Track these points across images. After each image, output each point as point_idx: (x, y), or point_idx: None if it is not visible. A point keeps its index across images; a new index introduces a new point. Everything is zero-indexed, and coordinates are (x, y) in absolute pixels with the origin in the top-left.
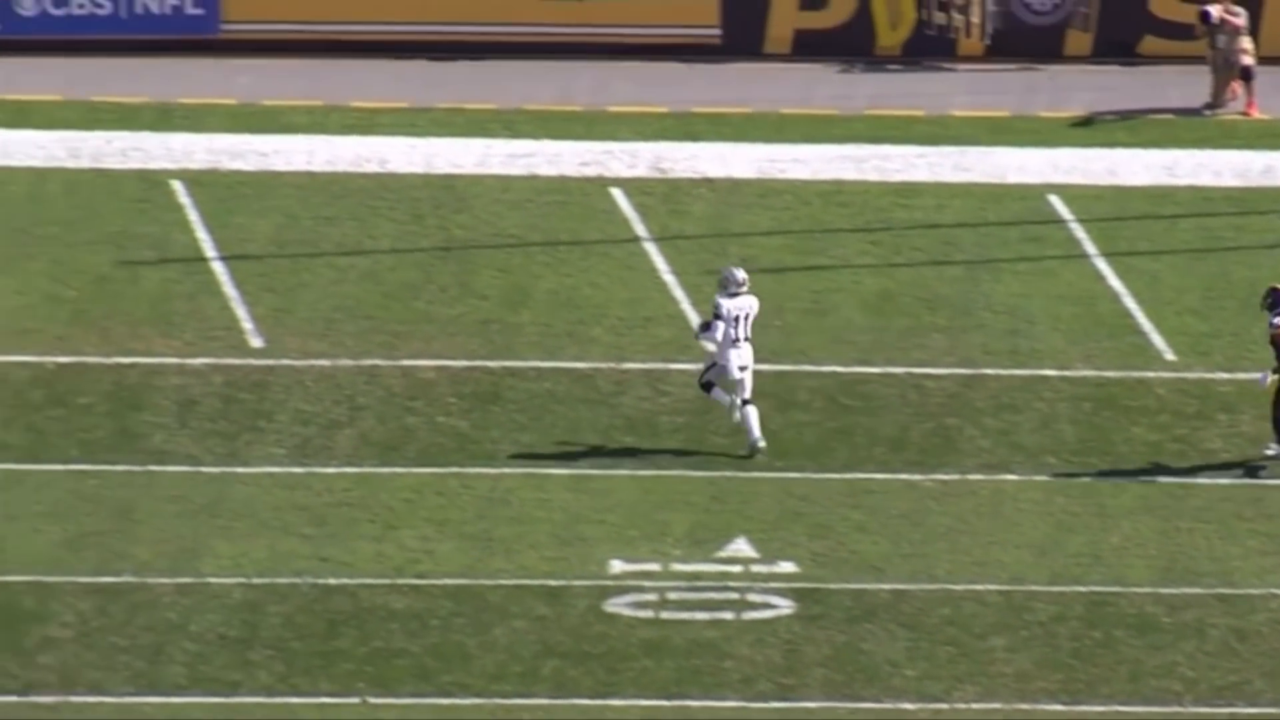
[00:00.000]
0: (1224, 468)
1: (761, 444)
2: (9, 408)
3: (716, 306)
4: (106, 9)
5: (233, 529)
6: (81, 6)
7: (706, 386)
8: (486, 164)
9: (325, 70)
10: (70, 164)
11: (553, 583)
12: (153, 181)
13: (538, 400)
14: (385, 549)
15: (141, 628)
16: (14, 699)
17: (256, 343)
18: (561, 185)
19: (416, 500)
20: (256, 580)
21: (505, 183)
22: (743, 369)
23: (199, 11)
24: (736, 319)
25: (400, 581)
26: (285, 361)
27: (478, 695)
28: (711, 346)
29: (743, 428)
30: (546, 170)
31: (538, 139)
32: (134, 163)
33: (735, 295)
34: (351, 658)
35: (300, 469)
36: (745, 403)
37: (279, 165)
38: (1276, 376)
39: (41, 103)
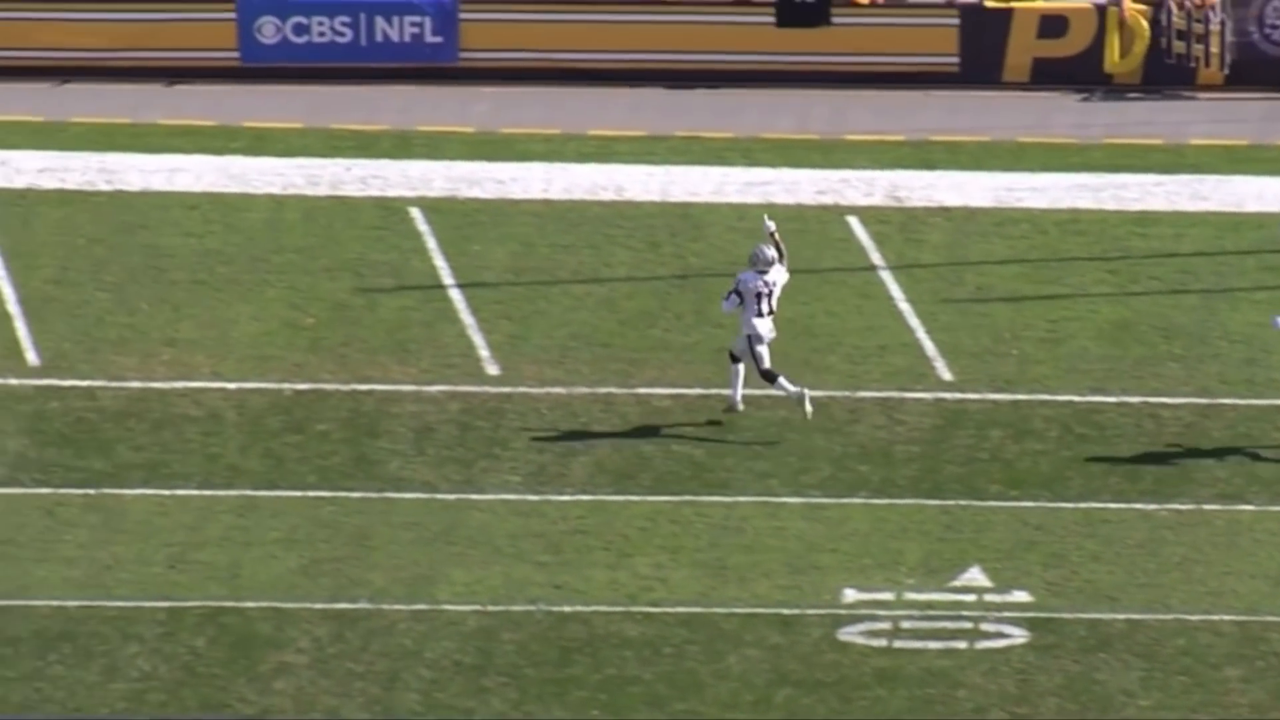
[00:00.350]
0: None
1: (740, 407)
2: (247, 434)
3: (738, 281)
4: (347, 37)
5: (468, 556)
6: (322, 34)
7: (770, 377)
8: (723, 192)
9: (563, 98)
10: (309, 191)
11: (786, 611)
12: (391, 209)
13: (772, 428)
14: (619, 576)
15: (377, 654)
16: None
17: (493, 370)
18: (798, 213)
19: (650, 528)
20: (491, 607)
21: (741, 211)
22: (760, 339)
23: (438, 39)
24: (759, 294)
25: (634, 609)
26: (521, 389)
27: None
28: (748, 322)
29: (793, 401)
30: (783, 198)
31: (775, 167)
32: (372, 190)
33: (764, 273)
34: (585, 685)
35: (535, 496)
36: (764, 374)
37: (516, 193)
38: None
39: (281, 130)
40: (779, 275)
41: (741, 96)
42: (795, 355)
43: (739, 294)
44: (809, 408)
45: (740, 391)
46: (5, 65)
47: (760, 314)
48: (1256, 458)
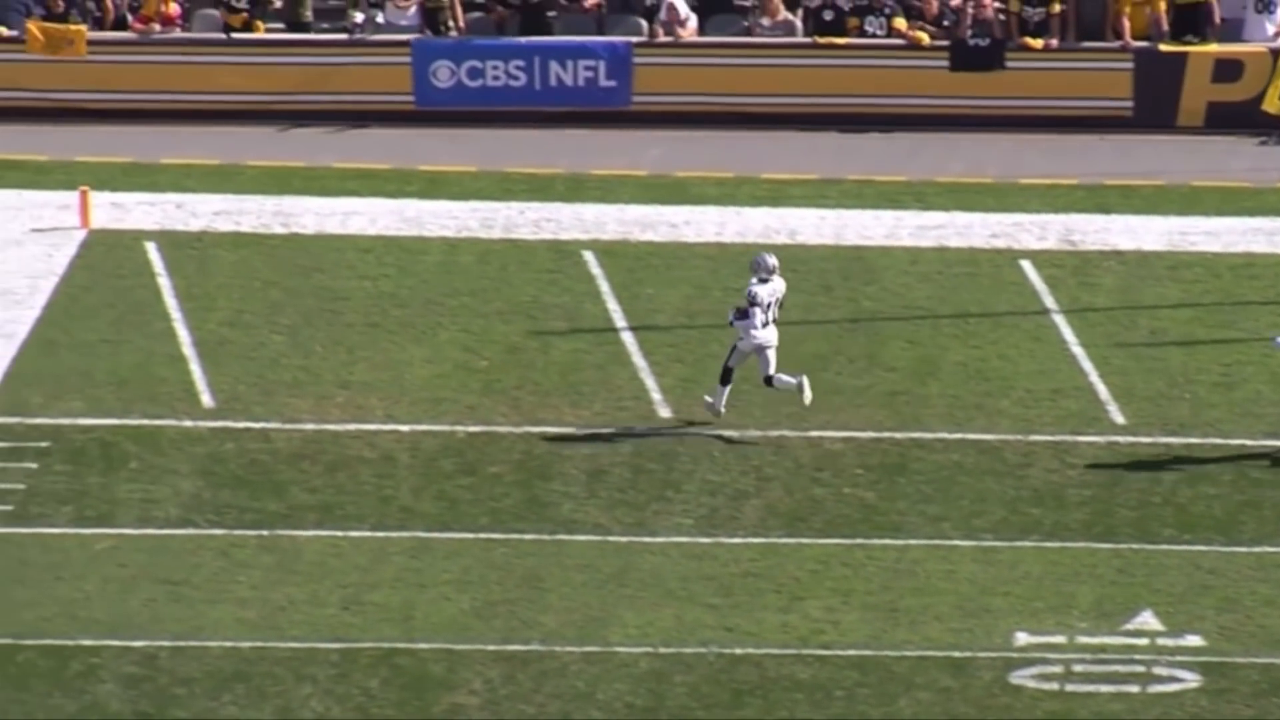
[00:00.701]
0: None
1: (722, 411)
2: (420, 476)
3: (752, 295)
4: (521, 81)
5: (640, 598)
6: (496, 78)
7: (725, 374)
8: (896, 236)
9: (736, 142)
10: (483, 234)
11: (957, 654)
12: (564, 252)
13: (944, 472)
14: (790, 619)
15: (549, 696)
16: None
17: (665, 413)
18: (971, 257)
19: (822, 571)
20: (663, 649)
21: (914, 254)
22: (764, 348)
23: (612, 83)
24: (768, 304)
25: (805, 652)
26: (693, 432)
27: None
28: (750, 334)
29: (788, 389)
30: (956, 242)
31: (948, 211)
32: (546, 233)
33: (766, 281)
34: None
35: (707, 539)
36: (767, 380)
37: (689, 236)
38: None
39: (455, 173)
40: (779, 285)
41: (915, 140)
42: (968, 399)
43: (757, 306)
44: (808, 395)
45: (724, 399)
46: (183, 109)
47: (766, 324)
48: None
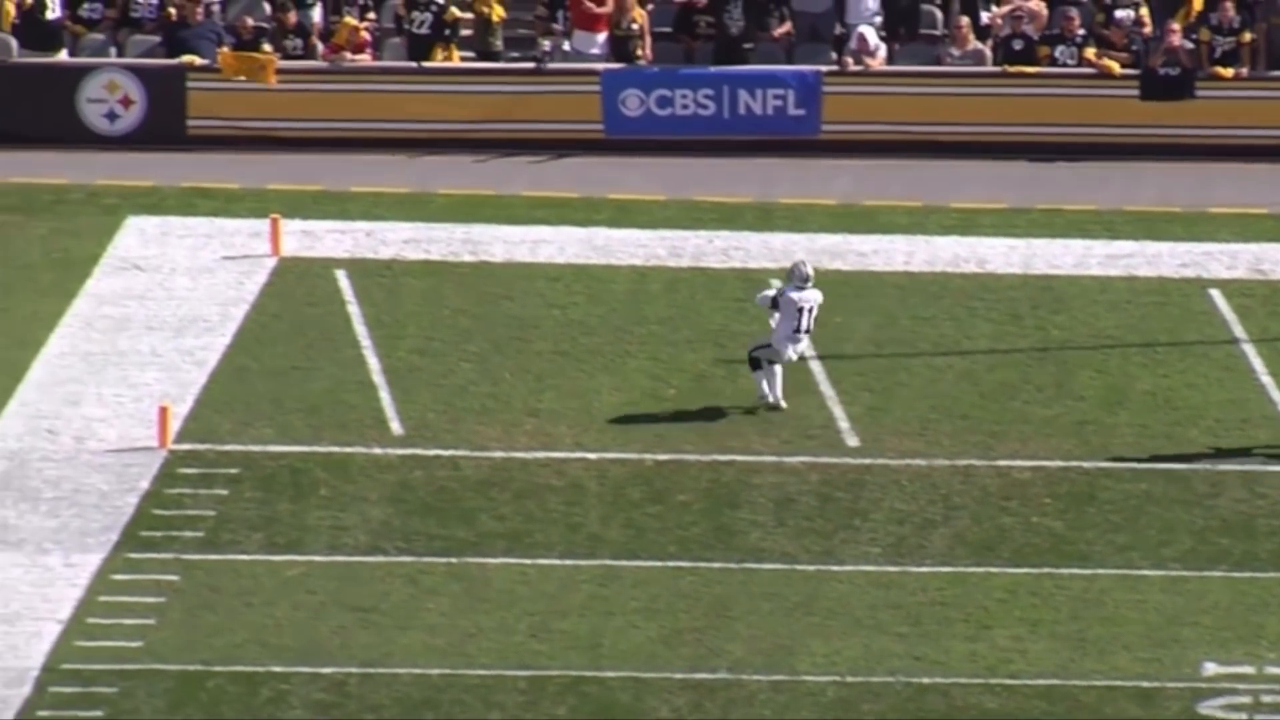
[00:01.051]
0: None
1: (782, 404)
2: (608, 504)
3: (780, 293)
4: (710, 109)
5: (827, 627)
6: (685, 107)
7: (754, 363)
8: (1085, 265)
9: (925, 171)
10: (671, 263)
11: (1145, 684)
12: (753, 280)
13: (1133, 501)
14: (979, 648)
15: None
16: None
17: (853, 441)
18: (1160, 286)
19: (1010, 600)
20: (850, 678)
21: (1103, 283)
22: (800, 358)
23: (801, 112)
24: (800, 310)
25: (993, 681)
26: (881, 460)
27: None
28: (786, 345)
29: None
30: (1145, 271)
31: (1137, 240)
32: (735, 261)
33: (801, 289)
34: None
35: (895, 568)
36: (752, 360)
37: (878, 265)
38: None
39: (644, 202)
40: (816, 295)
41: (1104, 169)
42: (1157, 428)
43: (776, 304)
44: (770, 401)
45: (779, 388)
46: (373, 137)
47: (798, 330)
48: None
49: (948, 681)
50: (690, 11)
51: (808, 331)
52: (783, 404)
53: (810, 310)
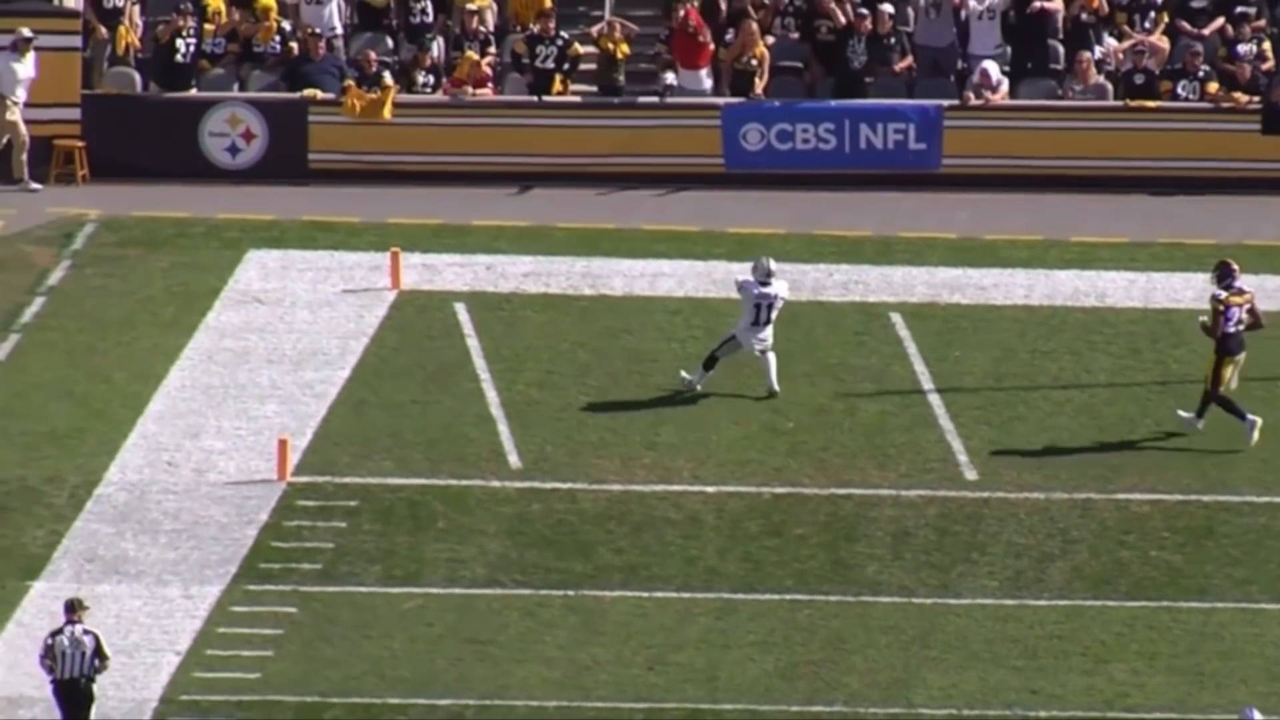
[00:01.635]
0: None
1: (775, 388)
2: (726, 537)
3: (742, 285)
4: (831, 144)
5: (944, 660)
6: (806, 141)
7: (710, 362)
8: (1205, 299)
9: (1045, 205)
10: (791, 296)
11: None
12: (872, 314)
13: (1252, 535)
14: (1096, 682)
15: None
16: None
17: (971, 475)
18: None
19: (1128, 634)
20: (967, 712)
21: None
22: (761, 349)
23: (921, 146)
24: (758, 305)
25: (1110, 715)
26: (999, 494)
27: None
28: (752, 337)
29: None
30: (1265, 305)
31: (1258, 274)
32: (854, 295)
33: (764, 284)
34: None
35: (1012, 601)
36: (771, 393)
37: (997, 299)
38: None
39: (764, 235)
40: (780, 288)
41: (1224, 203)
42: (1275, 462)
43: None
44: (697, 389)
45: (774, 374)
46: (494, 171)
47: (756, 322)
48: None
49: (1065, 715)
50: (816, 46)
51: (767, 323)
52: (776, 388)
53: (770, 305)
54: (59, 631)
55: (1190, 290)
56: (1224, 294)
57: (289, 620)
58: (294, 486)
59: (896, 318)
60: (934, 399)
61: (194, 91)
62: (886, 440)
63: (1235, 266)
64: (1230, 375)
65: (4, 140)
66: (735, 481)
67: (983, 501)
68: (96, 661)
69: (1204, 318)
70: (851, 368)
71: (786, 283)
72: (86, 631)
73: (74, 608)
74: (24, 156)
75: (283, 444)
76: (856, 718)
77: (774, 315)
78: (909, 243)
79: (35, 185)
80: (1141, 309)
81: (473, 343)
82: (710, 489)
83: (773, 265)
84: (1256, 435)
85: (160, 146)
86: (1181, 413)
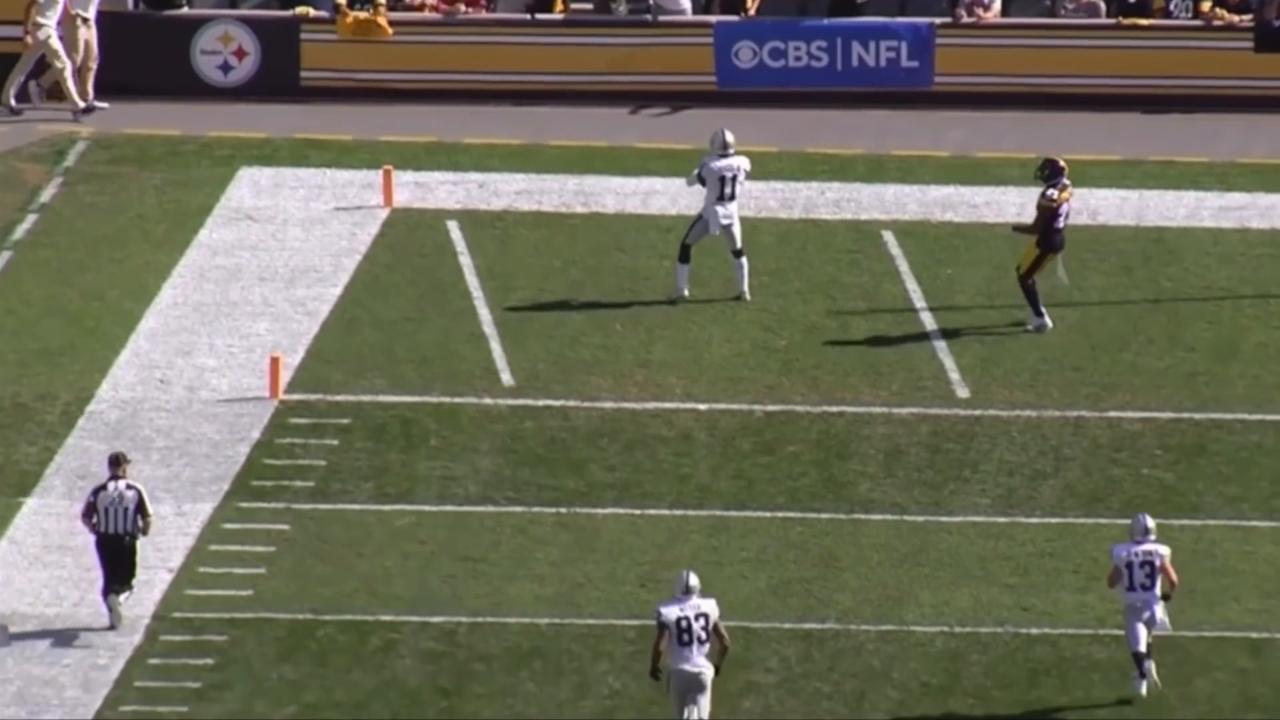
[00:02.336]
0: None
1: (748, 296)
2: (718, 455)
3: (701, 166)
4: (823, 61)
5: (936, 578)
6: (798, 59)
7: (684, 252)
8: (1197, 217)
9: (1037, 123)
10: (782, 214)
11: (1255, 635)
12: (864, 232)
13: (1244, 452)
14: (1087, 600)
15: (845, 674)
16: None
17: (963, 393)
18: (1273, 238)
19: None
20: (959, 629)
21: (1216, 235)
22: (727, 223)
23: (914, 64)
24: (722, 178)
25: (1102, 632)
26: (991, 412)
27: None
28: (715, 213)
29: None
30: (1258, 223)
31: (1250, 192)
32: (846, 213)
33: (723, 156)
34: (1052, 708)
35: (1004, 519)
36: (736, 253)
37: (989, 217)
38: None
39: (756, 154)
40: (740, 161)
41: (1217, 121)
42: (1269, 379)
43: (702, 179)
44: (684, 296)
45: (745, 281)
46: (487, 89)
47: (721, 198)
48: None
49: (1057, 632)
50: None
51: (732, 198)
52: (747, 296)
53: (733, 177)
54: (102, 487)
55: (1182, 208)
56: (1055, 193)
57: (281, 538)
58: (286, 404)
59: (889, 236)
60: (926, 317)
61: (186, 9)
62: (879, 358)
63: (1063, 164)
64: (1051, 269)
65: (76, 60)
66: (727, 399)
67: (975, 419)
68: (139, 519)
69: (1018, 221)
70: (844, 286)
71: (747, 159)
72: (130, 486)
73: (118, 462)
74: (89, 78)
75: (275, 361)
76: (848, 635)
77: (738, 190)
78: (901, 161)
79: (101, 104)
80: (1134, 227)
81: (465, 260)
82: (703, 406)
83: (729, 137)
84: (1045, 328)
85: (152, 64)
86: (1029, 323)
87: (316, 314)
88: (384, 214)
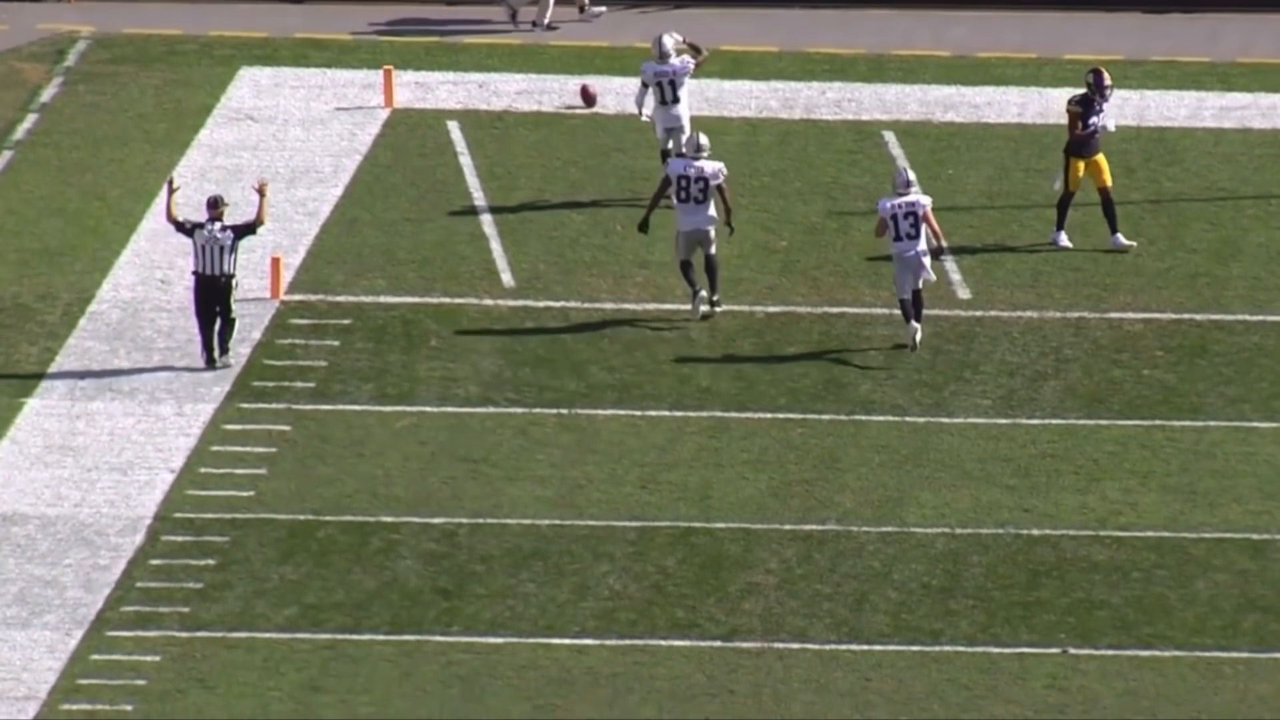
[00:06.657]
0: None
1: (719, 308)
2: (719, 356)
3: (643, 71)
4: None
5: (937, 479)
6: None
7: (663, 157)
8: (1199, 117)
9: (1039, 22)
10: (783, 115)
11: (1256, 536)
12: (865, 132)
13: (1245, 354)
14: (1088, 501)
15: (845, 576)
16: (718, 644)
17: (964, 294)
18: (1274, 139)
19: (1120, 452)
20: (959, 530)
21: (1217, 136)
22: (670, 127)
23: None
24: (660, 84)
25: (1103, 533)
26: (992, 313)
27: (1178, 648)
28: (668, 113)
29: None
30: (1259, 124)
31: (1251, 92)
32: (847, 114)
33: (663, 60)
34: (1053, 609)
35: (1005, 420)
36: (665, 154)
37: (991, 117)
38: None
39: (757, 53)
40: (679, 63)
41: (1219, 21)
42: (1269, 280)
43: (644, 84)
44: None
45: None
46: None
47: (664, 101)
48: None
49: (1057, 533)
50: None
51: (675, 101)
52: (719, 308)
53: (670, 82)
54: (200, 226)
55: (1183, 108)
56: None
57: (282, 438)
58: (287, 305)
59: (890, 136)
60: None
61: None
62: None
63: (1107, 80)
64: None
65: None
66: (728, 300)
67: (975, 320)
68: (232, 259)
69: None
70: (844, 186)
71: (691, 60)
72: (224, 228)
73: (216, 204)
74: None
75: (275, 262)
76: (849, 536)
77: (680, 94)
78: (902, 60)
79: (598, 8)
80: (1135, 127)
81: (465, 161)
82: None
83: (669, 44)
84: (1059, 245)
85: None
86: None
87: (317, 214)
88: (384, 114)
